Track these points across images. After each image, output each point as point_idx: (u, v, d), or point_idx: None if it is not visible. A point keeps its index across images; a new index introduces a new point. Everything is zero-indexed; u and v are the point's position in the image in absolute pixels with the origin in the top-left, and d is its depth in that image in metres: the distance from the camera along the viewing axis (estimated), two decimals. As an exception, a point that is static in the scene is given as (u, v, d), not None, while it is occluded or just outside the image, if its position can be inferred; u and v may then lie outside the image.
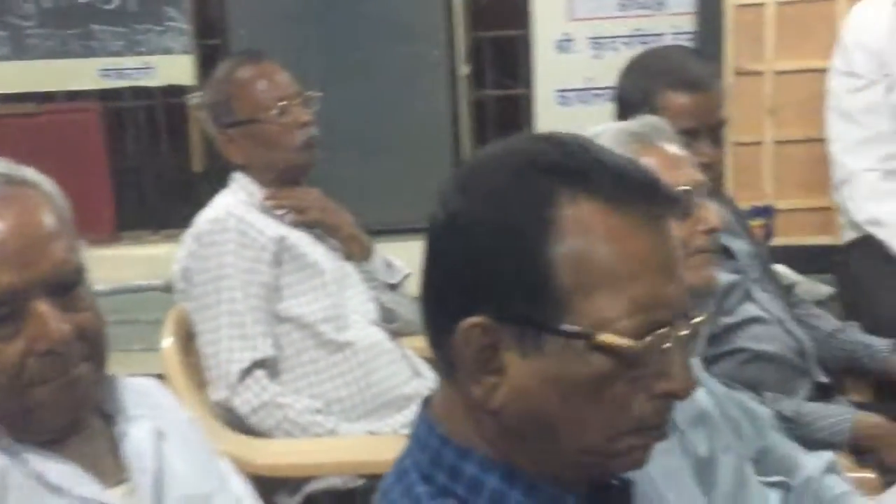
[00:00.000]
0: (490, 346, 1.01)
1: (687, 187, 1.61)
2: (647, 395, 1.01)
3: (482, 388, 1.02)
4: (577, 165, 1.02)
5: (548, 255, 0.99)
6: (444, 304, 1.04)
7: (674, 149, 1.66)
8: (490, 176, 1.04)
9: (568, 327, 0.98)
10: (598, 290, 0.99)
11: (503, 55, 3.86)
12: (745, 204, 3.01)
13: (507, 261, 1.00)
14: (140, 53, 3.71)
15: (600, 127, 1.64)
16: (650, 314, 0.99)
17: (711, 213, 1.65)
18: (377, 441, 2.25)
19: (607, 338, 0.98)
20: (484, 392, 1.02)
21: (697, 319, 1.04)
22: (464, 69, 3.59)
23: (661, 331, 0.99)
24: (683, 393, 1.02)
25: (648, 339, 0.99)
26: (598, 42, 3.37)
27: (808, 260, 3.11)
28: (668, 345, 1.00)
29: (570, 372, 0.99)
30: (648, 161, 1.53)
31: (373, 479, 1.79)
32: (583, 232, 0.99)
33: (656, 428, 1.03)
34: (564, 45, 3.40)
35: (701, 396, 1.62)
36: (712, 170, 2.29)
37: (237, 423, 2.28)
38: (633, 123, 1.70)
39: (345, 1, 3.46)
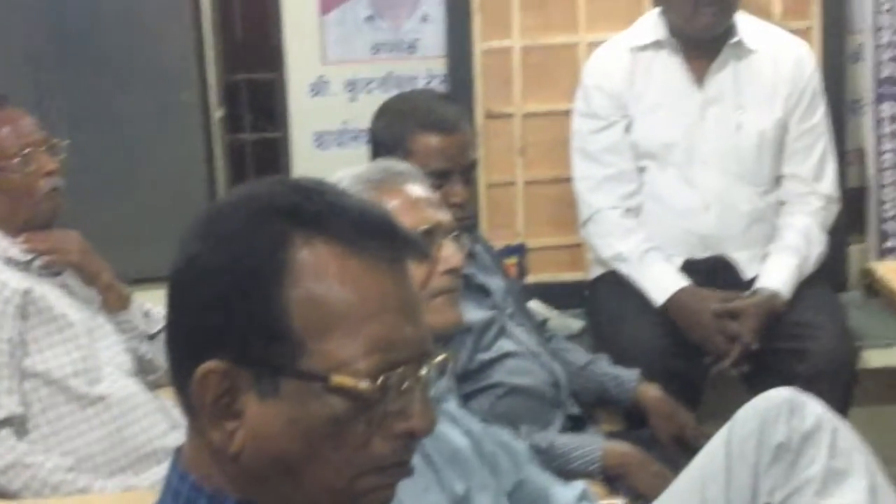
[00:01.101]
0: (228, 390, 1.00)
1: (427, 228, 1.63)
2: (386, 434, 1.01)
3: (221, 432, 1.01)
4: (312, 208, 1.02)
5: (282, 298, 0.99)
6: (184, 349, 1.03)
7: (415, 190, 1.67)
8: (227, 220, 1.04)
9: (303, 369, 0.99)
10: (333, 332, 0.99)
11: (259, 98, 3.83)
12: (499, 243, 3.08)
13: (243, 304, 0.99)
14: None
15: (341, 172, 1.64)
16: (386, 355, 1.00)
17: (453, 253, 1.66)
18: (133, 497, 2.19)
19: (342, 379, 0.98)
20: (223, 437, 1.01)
21: (439, 359, 1.05)
22: (218, 112, 3.54)
23: (398, 370, 1.00)
24: (423, 432, 1.03)
25: (383, 379, 0.99)
26: (352, 85, 3.39)
27: (559, 295, 3.21)
28: (406, 385, 1.01)
29: (308, 414, 0.99)
30: (388, 204, 1.55)
31: (128, 536, 1.74)
32: (316, 274, 1.00)
33: (399, 466, 1.04)
34: (319, 87, 3.40)
35: (455, 436, 1.64)
36: (464, 209, 2.35)
37: (-17, 485, 2.17)
38: (372, 167, 1.71)
39: (90, 43, 3.34)
